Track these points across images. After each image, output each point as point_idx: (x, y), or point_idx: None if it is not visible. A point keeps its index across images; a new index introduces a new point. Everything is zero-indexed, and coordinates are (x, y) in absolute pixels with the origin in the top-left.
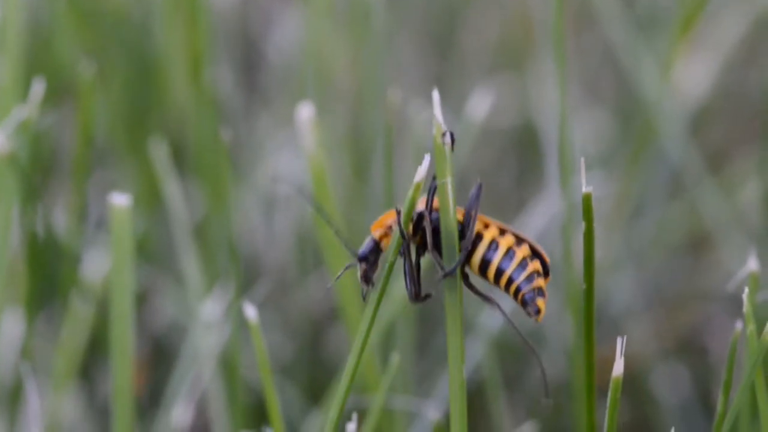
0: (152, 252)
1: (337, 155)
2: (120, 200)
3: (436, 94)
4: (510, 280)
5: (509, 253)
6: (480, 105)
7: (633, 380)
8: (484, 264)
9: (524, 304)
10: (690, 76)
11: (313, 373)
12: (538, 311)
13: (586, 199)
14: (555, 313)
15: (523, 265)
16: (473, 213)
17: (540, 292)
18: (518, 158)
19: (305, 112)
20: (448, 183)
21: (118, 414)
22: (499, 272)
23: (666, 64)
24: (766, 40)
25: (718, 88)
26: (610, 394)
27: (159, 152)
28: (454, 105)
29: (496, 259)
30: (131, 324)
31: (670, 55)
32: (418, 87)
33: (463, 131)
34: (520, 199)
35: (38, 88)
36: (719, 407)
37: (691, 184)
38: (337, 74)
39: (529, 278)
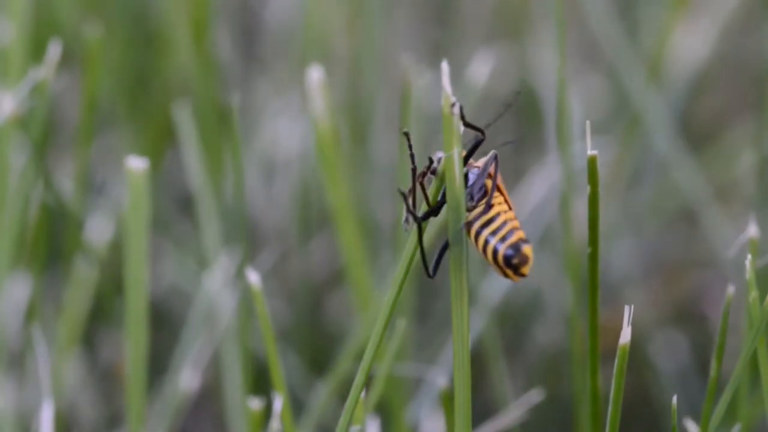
0: (151, 218)
1: (336, 121)
2: (136, 163)
3: (444, 65)
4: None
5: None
6: (479, 71)
7: (631, 348)
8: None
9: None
10: (688, 43)
11: (313, 339)
12: (526, 258)
13: (592, 162)
14: (554, 280)
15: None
16: (491, 182)
17: (523, 241)
18: (517, 124)
19: (315, 74)
20: (455, 154)
21: (132, 380)
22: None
23: (664, 31)
24: (764, 7)
25: (715, 56)
26: (616, 362)
27: (182, 114)
28: (453, 71)
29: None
30: (146, 289)
31: (667, 22)
32: (417, 53)
33: (463, 97)
34: (519, 165)
35: (55, 49)
36: (712, 372)
37: (688, 152)
38: (336, 40)
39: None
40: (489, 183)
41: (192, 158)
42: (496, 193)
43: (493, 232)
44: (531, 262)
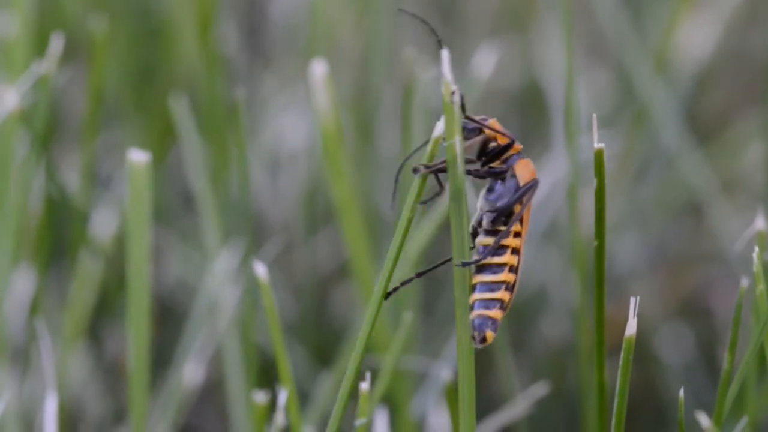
0: (156, 211)
1: (341, 115)
2: (138, 157)
3: (445, 53)
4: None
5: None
6: (484, 65)
7: (637, 341)
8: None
9: (474, 328)
10: (693, 38)
11: (319, 332)
12: (483, 339)
13: (598, 156)
14: (560, 273)
15: (507, 286)
16: (522, 207)
17: (495, 327)
18: (522, 118)
19: (318, 69)
20: (457, 142)
21: (135, 374)
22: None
23: (670, 25)
24: None
25: (721, 51)
26: (622, 354)
27: (179, 105)
28: (458, 65)
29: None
30: (148, 282)
31: (673, 16)
32: (422, 47)
33: (467, 91)
34: None
35: (57, 43)
36: (725, 365)
37: (694, 145)
38: (342, 35)
39: (501, 302)
40: (517, 208)
41: (192, 152)
42: (517, 228)
43: (486, 285)
44: (487, 343)
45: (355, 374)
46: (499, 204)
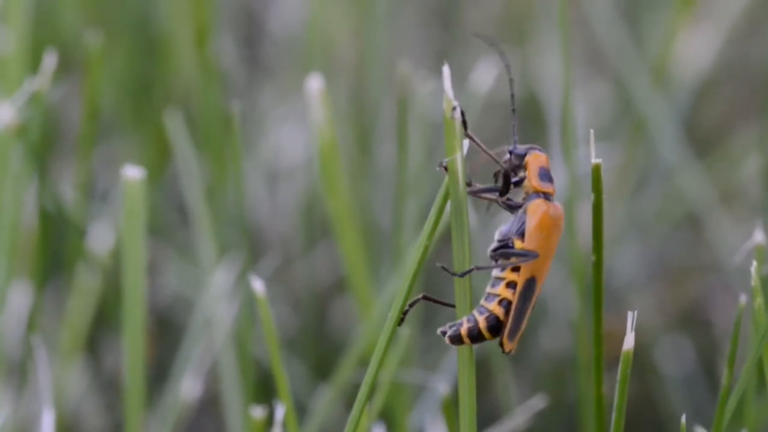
0: (155, 226)
1: (339, 128)
2: (133, 173)
3: (446, 69)
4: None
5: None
6: (483, 77)
7: (636, 353)
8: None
9: (453, 323)
10: (691, 50)
11: (317, 346)
12: (443, 333)
13: (596, 170)
14: (559, 286)
15: (488, 315)
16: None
17: (457, 338)
18: (521, 131)
19: (314, 83)
20: (458, 158)
21: (130, 388)
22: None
23: (668, 37)
24: None
25: (719, 62)
26: (620, 368)
27: (173, 122)
28: (457, 77)
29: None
30: (143, 297)
31: (672, 27)
32: (421, 60)
33: (467, 104)
34: None
35: (50, 59)
36: (724, 381)
37: (693, 157)
38: (340, 47)
39: (475, 324)
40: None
41: (187, 168)
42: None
43: (480, 307)
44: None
45: (365, 399)
46: (498, 238)
